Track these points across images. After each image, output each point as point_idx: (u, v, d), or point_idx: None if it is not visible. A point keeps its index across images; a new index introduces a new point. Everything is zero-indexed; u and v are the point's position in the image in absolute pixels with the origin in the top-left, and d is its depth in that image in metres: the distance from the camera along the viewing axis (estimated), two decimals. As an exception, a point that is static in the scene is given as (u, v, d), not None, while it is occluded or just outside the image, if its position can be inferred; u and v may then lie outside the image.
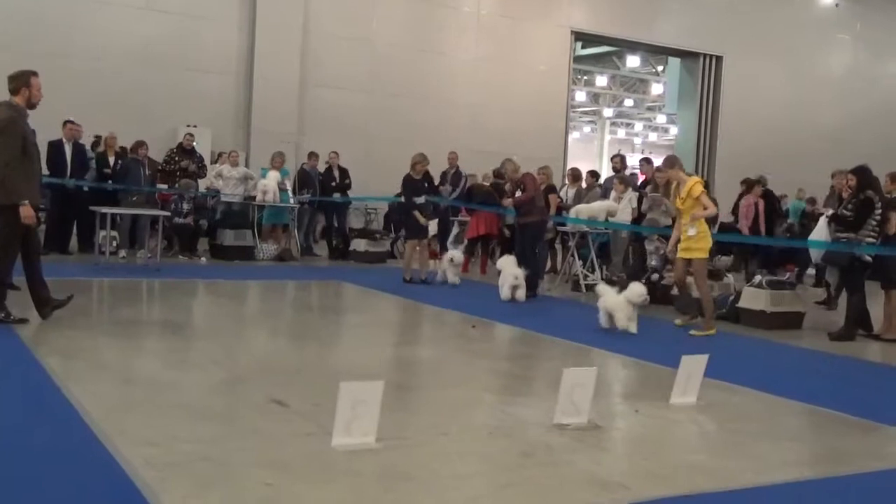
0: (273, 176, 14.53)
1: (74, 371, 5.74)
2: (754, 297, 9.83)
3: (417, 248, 12.28)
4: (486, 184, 15.48)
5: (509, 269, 10.77)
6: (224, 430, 4.63)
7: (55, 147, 12.87)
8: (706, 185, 10.15)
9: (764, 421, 5.62)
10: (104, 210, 11.98)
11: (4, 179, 6.96)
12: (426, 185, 12.52)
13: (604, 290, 8.92)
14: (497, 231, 14.25)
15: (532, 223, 11.34)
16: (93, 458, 4.02)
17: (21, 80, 7.17)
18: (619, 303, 8.60)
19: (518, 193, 11.60)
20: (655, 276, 11.11)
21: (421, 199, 12.31)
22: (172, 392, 5.43)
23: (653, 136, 54.10)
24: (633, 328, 8.58)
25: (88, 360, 6.25)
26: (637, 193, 12.70)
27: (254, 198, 14.50)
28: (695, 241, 8.84)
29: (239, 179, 14.68)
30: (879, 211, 9.12)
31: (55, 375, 5.50)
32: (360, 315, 9.95)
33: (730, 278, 11.11)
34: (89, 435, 4.33)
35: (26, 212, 7.05)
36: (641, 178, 14.22)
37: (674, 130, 34.78)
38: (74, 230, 13.51)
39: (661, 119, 47.19)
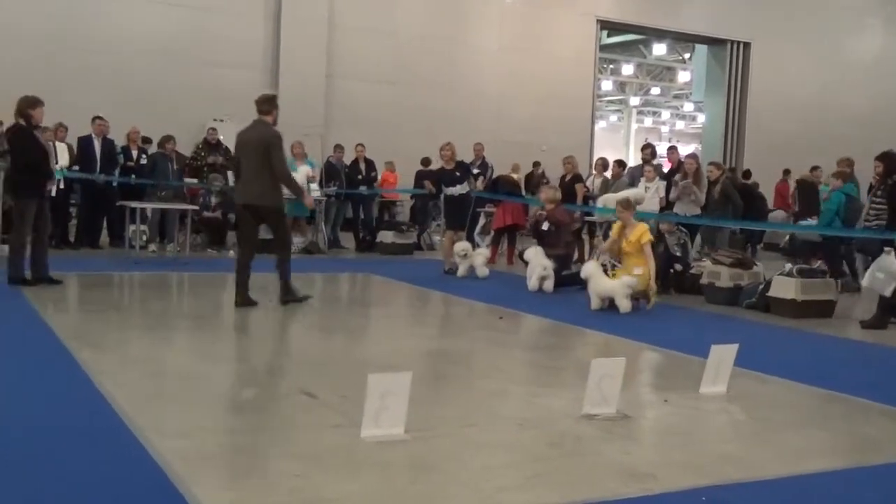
0: (303, 170, 14.59)
1: (106, 364, 5.80)
2: (784, 286, 9.73)
3: (454, 238, 12.24)
4: (514, 175, 15.43)
5: (537, 260, 10.73)
6: (254, 422, 4.67)
7: (85, 143, 13.04)
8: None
9: (794, 410, 5.58)
10: (133, 205, 12.11)
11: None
12: (458, 173, 12.40)
13: (592, 271, 9.31)
14: (524, 221, 14.21)
15: (556, 255, 11.14)
16: (125, 450, 4.07)
17: (273, 104, 8.56)
18: (615, 286, 9.17)
19: (546, 226, 11.44)
20: (680, 267, 11.05)
21: (457, 189, 12.25)
22: (203, 384, 5.49)
23: (680, 124, 53.72)
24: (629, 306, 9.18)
25: (120, 353, 6.33)
26: (665, 182, 12.61)
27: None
28: (638, 277, 9.36)
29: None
30: None
31: (87, 369, 5.57)
32: (388, 307, 9.97)
33: (759, 267, 11.00)
34: (121, 428, 4.38)
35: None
36: (668, 167, 14.13)
37: (701, 118, 34.47)
38: (105, 225, 13.68)
39: (688, 107, 46.82)
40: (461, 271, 11.82)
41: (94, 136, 13.10)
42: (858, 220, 11.22)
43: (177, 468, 3.80)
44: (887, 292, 8.87)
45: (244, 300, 8.44)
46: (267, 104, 8.50)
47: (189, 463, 3.89)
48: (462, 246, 11.93)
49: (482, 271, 11.83)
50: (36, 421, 4.45)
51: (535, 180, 17.44)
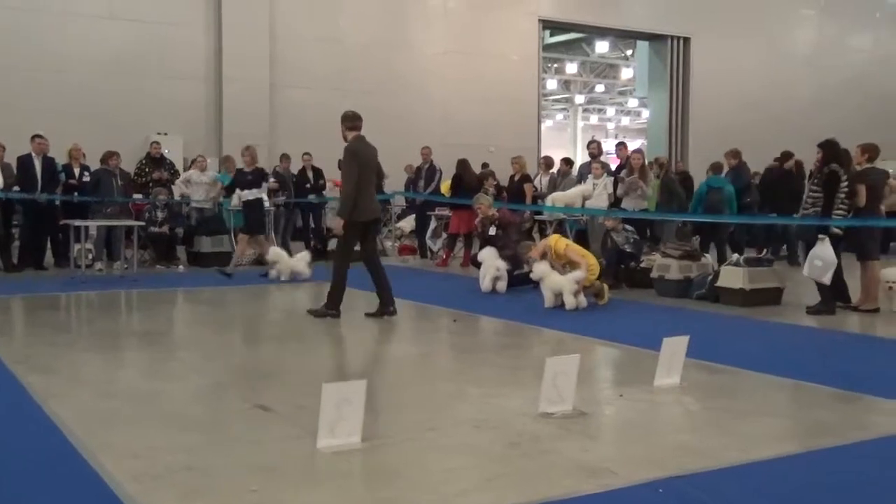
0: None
1: (54, 387, 5.68)
2: (732, 276, 9.87)
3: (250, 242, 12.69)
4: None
5: (491, 262, 10.76)
6: (208, 438, 4.60)
7: (25, 162, 12.74)
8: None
9: (747, 398, 5.65)
10: (77, 223, 11.87)
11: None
12: (250, 177, 12.65)
13: (544, 270, 9.38)
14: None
15: (508, 256, 11.15)
16: (76, 473, 3.98)
17: (361, 120, 8.88)
18: (563, 282, 9.25)
19: (493, 230, 11.49)
20: (633, 264, 11.15)
21: (252, 193, 12.47)
22: (154, 403, 5.39)
23: (625, 121, 54.25)
24: (582, 302, 9.26)
25: (68, 375, 6.19)
26: (612, 178, 12.72)
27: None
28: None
29: (209, 184, 14.59)
30: (846, 184, 9.13)
31: (35, 392, 5.44)
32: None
33: (708, 258, 11.15)
34: (72, 451, 4.29)
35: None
36: (616, 163, 14.24)
37: (646, 114, 34.83)
38: (49, 245, 13.39)
39: (632, 103, 47.28)
40: (272, 274, 12.02)
41: (33, 154, 12.80)
42: (724, 208, 12.62)
43: (129, 490, 3.73)
44: (826, 279, 9.03)
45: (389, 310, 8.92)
46: (360, 120, 8.90)
47: (142, 483, 3.82)
48: (272, 254, 12.21)
49: (306, 273, 12.03)
50: (-18, 449, 4.34)
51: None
